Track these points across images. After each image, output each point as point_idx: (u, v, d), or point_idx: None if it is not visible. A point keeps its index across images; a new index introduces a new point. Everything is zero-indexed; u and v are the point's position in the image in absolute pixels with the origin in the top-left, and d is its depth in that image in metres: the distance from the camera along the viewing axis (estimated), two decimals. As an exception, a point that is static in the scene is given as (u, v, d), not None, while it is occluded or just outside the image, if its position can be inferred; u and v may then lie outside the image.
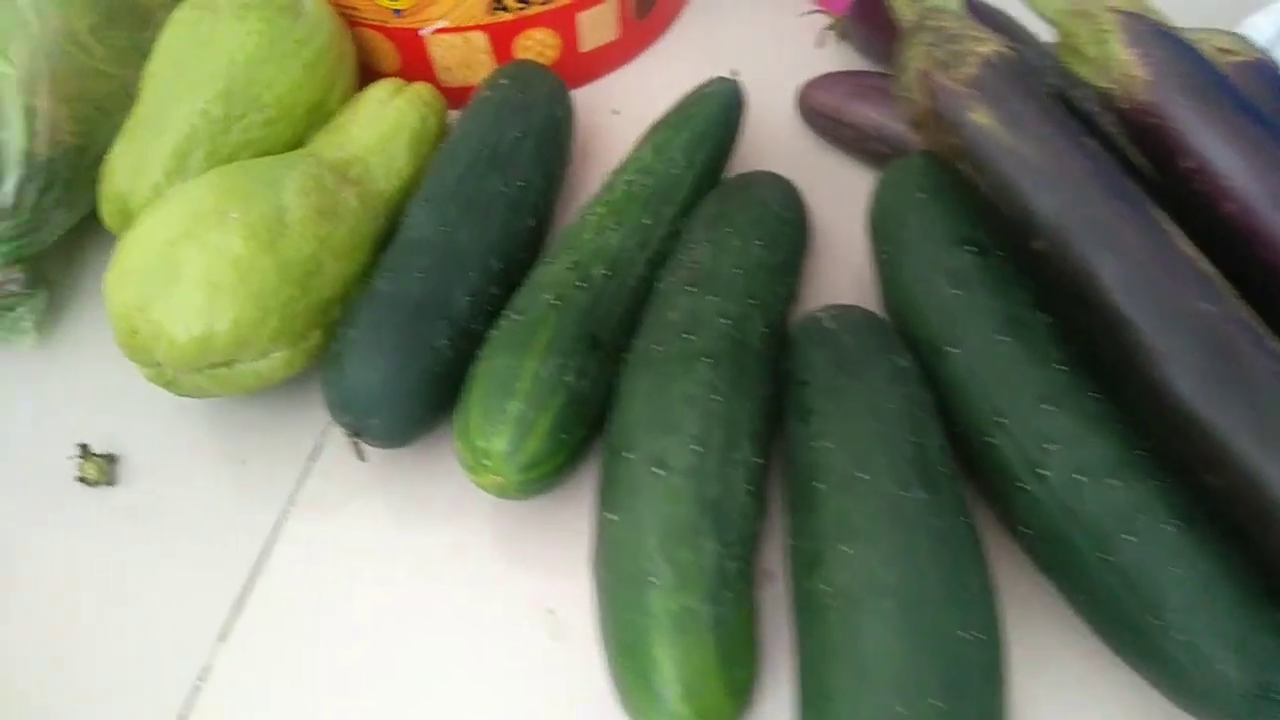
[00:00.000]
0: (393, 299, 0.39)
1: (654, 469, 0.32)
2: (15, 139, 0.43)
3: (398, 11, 0.49)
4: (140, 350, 0.37)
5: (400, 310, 0.38)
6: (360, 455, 0.39)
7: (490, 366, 0.36)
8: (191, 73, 0.44)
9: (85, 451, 0.42)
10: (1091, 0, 0.34)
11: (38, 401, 0.45)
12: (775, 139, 0.50)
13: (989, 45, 0.35)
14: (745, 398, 0.35)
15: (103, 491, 0.41)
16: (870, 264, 0.41)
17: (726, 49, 0.55)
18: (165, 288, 0.36)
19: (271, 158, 0.42)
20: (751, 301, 0.37)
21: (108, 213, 0.44)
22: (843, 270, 0.44)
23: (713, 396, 0.34)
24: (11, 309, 0.45)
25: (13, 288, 0.45)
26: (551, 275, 0.39)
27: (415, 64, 0.52)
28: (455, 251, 0.40)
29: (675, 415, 0.33)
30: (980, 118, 0.34)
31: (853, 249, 0.44)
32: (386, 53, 0.51)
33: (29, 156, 0.43)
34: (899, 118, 0.45)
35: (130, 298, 0.37)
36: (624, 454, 0.33)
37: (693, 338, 0.35)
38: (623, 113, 0.53)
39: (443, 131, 0.48)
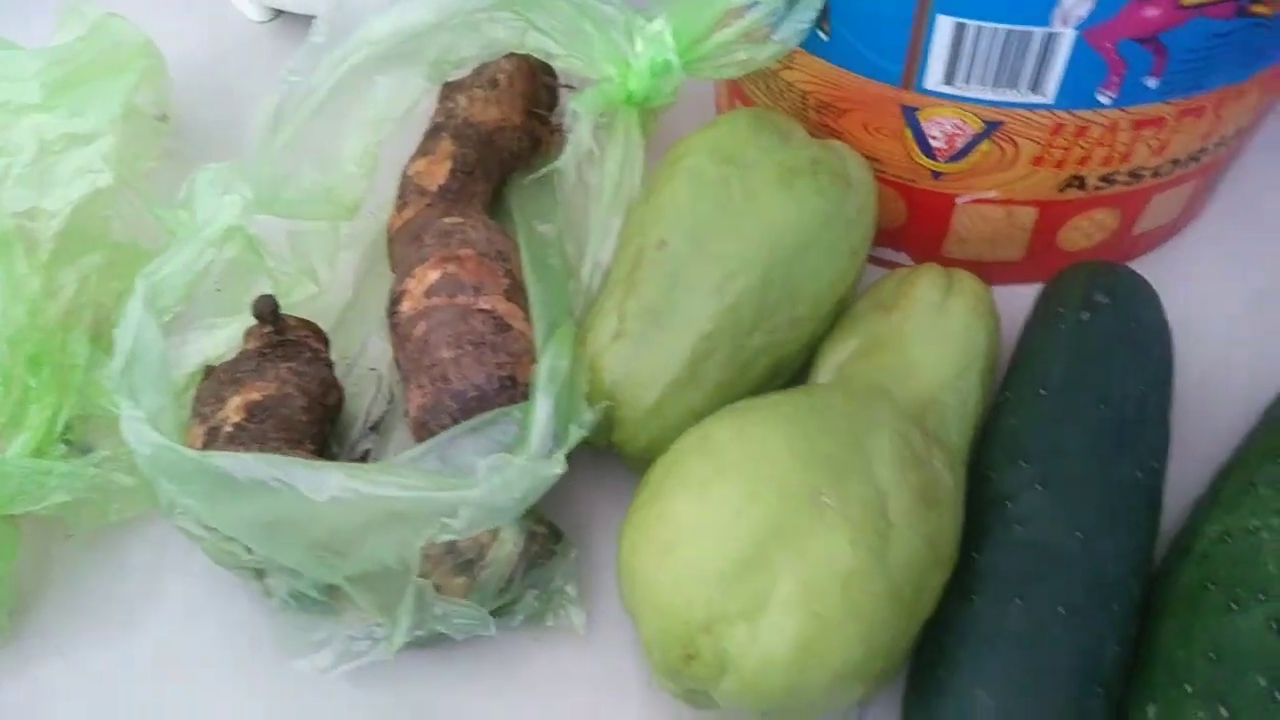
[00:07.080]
0: (1022, 642, 0.28)
1: None
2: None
3: (937, 174, 0.38)
4: (685, 675, 0.27)
5: (1042, 667, 0.27)
6: None
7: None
8: (717, 251, 0.33)
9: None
10: None
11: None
12: None
13: None
14: None
15: None
16: None
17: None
18: (746, 609, 0.26)
19: (829, 392, 0.32)
20: None
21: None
22: None
23: None
24: (550, 578, 0.33)
25: (540, 540, 0.32)
26: (1247, 637, 0.27)
27: (924, 228, 0.41)
28: (1097, 572, 0.29)
29: None
30: None
31: None
32: (891, 211, 0.40)
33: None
34: None
35: (695, 611, 0.26)
36: None
37: None
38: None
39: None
